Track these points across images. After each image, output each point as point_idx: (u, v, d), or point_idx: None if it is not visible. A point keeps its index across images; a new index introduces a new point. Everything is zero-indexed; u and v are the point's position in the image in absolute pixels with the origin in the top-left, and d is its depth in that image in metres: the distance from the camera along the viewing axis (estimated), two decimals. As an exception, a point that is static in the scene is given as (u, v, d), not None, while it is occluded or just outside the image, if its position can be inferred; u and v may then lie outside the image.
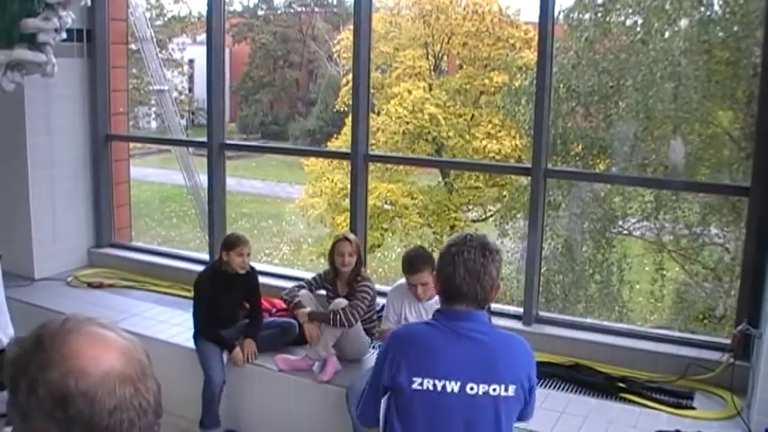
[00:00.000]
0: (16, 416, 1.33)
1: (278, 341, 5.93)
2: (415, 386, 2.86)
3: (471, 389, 2.85)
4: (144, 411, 1.34)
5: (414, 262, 5.09)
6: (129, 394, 1.33)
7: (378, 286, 5.91)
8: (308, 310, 5.57)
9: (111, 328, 1.40)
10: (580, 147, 11.48)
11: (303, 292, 5.73)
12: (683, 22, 10.76)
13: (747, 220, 5.53)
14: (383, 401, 3.02)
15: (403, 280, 5.26)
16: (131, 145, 9.22)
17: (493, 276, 2.91)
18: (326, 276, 5.82)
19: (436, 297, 5.02)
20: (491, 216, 14.80)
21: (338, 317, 5.40)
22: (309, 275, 6.04)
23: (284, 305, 5.94)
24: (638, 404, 5.17)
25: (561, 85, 11.04)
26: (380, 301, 5.91)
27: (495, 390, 2.85)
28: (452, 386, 2.84)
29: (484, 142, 13.72)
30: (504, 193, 13.83)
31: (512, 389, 2.87)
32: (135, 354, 1.40)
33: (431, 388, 2.85)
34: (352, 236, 5.76)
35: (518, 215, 13.27)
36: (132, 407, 1.33)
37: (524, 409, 2.97)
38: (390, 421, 2.96)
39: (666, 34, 10.73)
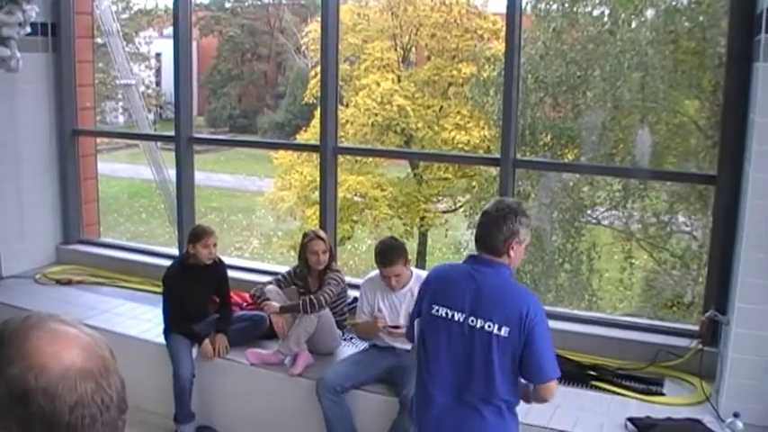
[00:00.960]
0: None
1: (249, 335, 5.92)
2: (433, 311, 3.54)
3: (472, 321, 3.43)
4: (106, 407, 1.33)
5: (387, 254, 5.09)
6: (90, 390, 1.30)
7: (348, 278, 5.92)
8: (277, 305, 5.56)
9: (74, 324, 1.39)
10: (549, 137, 11.54)
11: (270, 287, 5.71)
12: (650, 13, 10.84)
13: (714, 208, 5.59)
14: (416, 324, 3.69)
15: (375, 272, 5.27)
16: (99, 140, 9.16)
17: (504, 231, 3.44)
18: (297, 273, 5.82)
19: (409, 285, 5.06)
20: (461, 207, 14.84)
21: (307, 303, 5.40)
22: (280, 269, 6.04)
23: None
24: (609, 391, 5.22)
25: (529, 76, 11.08)
26: (352, 293, 5.92)
27: (489, 326, 3.38)
28: (459, 316, 3.46)
29: (453, 133, 13.74)
30: (474, 183, 13.86)
31: (504, 330, 3.36)
32: (97, 350, 1.36)
33: (443, 315, 3.50)
34: (322, 233, 5.76)
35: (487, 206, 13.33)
36: (94, 402, 1.30)
37: (526, 362, 3.36)
38: (420, 339, 3.64)
39: (633, 24, 10.81)
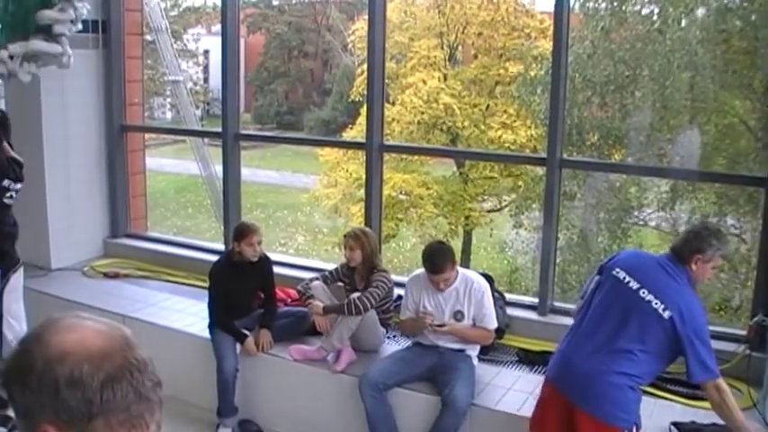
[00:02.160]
0: (20, 420, 1.36)
1: (293, 331, 5.95)
2: (613, 272, 4.02)
3: (643, 293, 3.88)
4: (137, 380, 1.35)
5: (436, 261, 5.08)
6: (117, 365, 1.34)
7: (393, 276, 5.92)
8: (321, 305, 5.58)
9: (88, 317, 1.43)
10: (596, 137, 11.44)
11: (316, 283, 5.75)
12: (701, 11, 10.69)
13: (764, 211, 5.50)
14: (594, 280, 4.19)
15: (421, 270, 5.26)
16: (147, 136, 9.25)
17: (692, 244, 3.93)
18: (344, 270, 5.84)
19: (455, 284, 5.04)
20: (506, 206, 14.78)
21: (351, 305, 5.42)
22: (325, 265, 6.06)
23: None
24: (654, 395, 5.17)
25: (577, 75, 10.99)
26: (397, 291, 5.92)
27: (656, 304, 3.82)
28: (634, 284, 3.92)
29: (499, 132, 13.67)
30: (520, 183, 13.80)
31: (667, 314, 3.79)
32: (117, 331, 1.41)
33: (621, 278, 3.97)
34: (357, 230, 5.78)
35: (533, 205, 13.25)
36: (124, 377, 1.34)
37: (690, 358, 3.76)
38: (593, 291, 4.15)
39: (683, 23, 10.67)
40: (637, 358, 3.84)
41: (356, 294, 5.52)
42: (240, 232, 5.80)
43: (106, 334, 1.38)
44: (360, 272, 5.72)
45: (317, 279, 5.82)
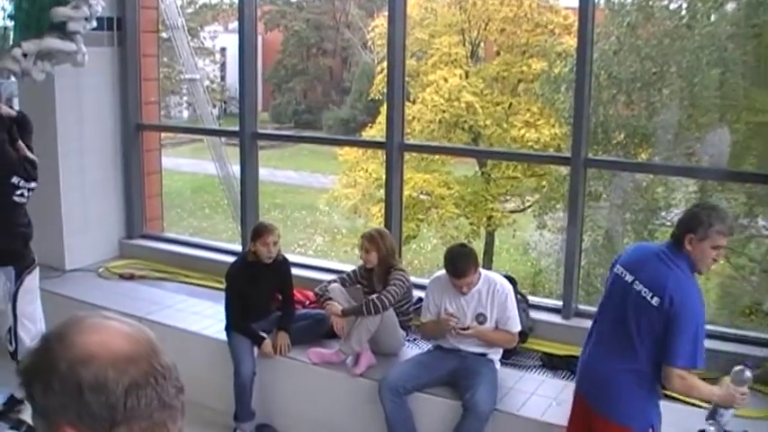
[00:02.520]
0: (39, 420, 1.35)
1: (311, 333, 5.95)
2: (615, 269, 4.09)
3: (636, 285, 3.91)
4: (161, 386, 1.34)
5: (459, 266, 5.07)
6: (142, 371, 1.33)
7: (413, 278, 5.91)
8: (339, 307, 5.59)
9: (113, 317, 1.41)
10: (622, 135, 11.39)
11: (334, 285, 5.75)
12: (731, 5, 10.61)
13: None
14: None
15: (442, 271, 5.26)
16: (163, 135, 9.28)
17: (686, 223, 3.90)
18: (362, 272, 5.85)
19: (477, 286, 5.04)
20: (529, 207, 14.75)
21: (369, 304, 5.42)
22: (344, 267, 6.06)
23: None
24: (682, 401, 5.12)
25: (602, 72, 10.94)
26: (417, 293, 5.91)
27: (645, 293, 3.85)
28: (629, 277, 3.96)
29: (522, 131, 13.65)
30: (543, 183, 13.77)
31: (654, 300, 3.80)
32: (142, 335, 1.39)
33: (620, 273, 4.03)
34: (373, 232, 5.80)
35: (557, 206, 13.21)
36: (148, 383, 1.33)
37: (664, 341, 3.74)
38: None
39: (713, 18, 10.59)
40: (636, 353, 3.86)
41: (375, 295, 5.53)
42: (256, 231, 5.82)
43: (132, 337, 1.37)
44: (377, 273, 5.72)
45: (334, 281, 5.82)
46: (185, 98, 21.78)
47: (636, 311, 3.87)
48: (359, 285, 5.85)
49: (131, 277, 7.50)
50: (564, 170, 10.78)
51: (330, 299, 5.64)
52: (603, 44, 10.96)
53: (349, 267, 6.18)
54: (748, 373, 3.96)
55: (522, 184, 14.48)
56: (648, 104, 11.25)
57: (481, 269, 5.24)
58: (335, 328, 5.62)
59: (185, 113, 23.30)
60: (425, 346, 5.78)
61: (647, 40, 10.97)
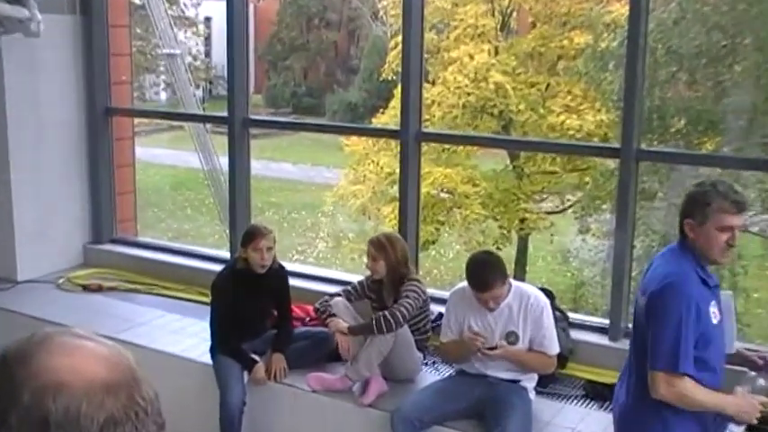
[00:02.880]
0: None
1: (311, 355, 5.97)
2: None
3: (638, 295, 4.01)
4: (142, 422, 1.31)
5: (483, 278, 5.07)
6: (121, 404, 1.28)
7: (432, 291, 5.91)
8: (344, 324, 5.59)
9: (88, 336, 1.37)
10: (682, 122, 11.35)
11: (338, 300, 5.76)
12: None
13: None
14: None
15: (465, 283, 5.26)
16: (137, 121, 9.31)
17: (682, 216, 3.88)
18: (370, 284, 5.85)
19: (507, 299, 5.05)
20: (570, 207, 14.73)
21: (381, 321, 5.42)
22: (350, 277, 6.06)
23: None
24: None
25: (659, 47, 10.90)
26: (437, 308, 5.91)
27: (639, 299, 3.96)
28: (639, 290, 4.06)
29: (561, 117, 13.62)
30: (587, 179, 13.74)
31: (642, 300, 3.90)
32: (122, 359, 1.34)
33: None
34: (382, 237, 5.79)
35: (603, 206, 13.18)
36: (127, 418, 1.28)
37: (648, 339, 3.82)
38: None
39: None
40: (643, 373, 3.89)
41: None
42: (247, 235, 5.85)
43: (110, 361, 1.33)
44: (388, 285, 5.72)
45: (338, 295, 5.83)
46: (163, 77, 21.83)
47: (635, 325, 4.02)
48: (367, 299, 5.86)
49: (98, 289, 7.53)
50: (612, 163, 10.75)
51: (333, 315, 5.65)
52: (661, 12, 10.92)
53: (356, 278, 6.18)
54: (762, 382, 3.98)
55: (562, 180, 14.45)
56: (716, 84, 11.19)
57: (512, 280, 5.25)
58: (340, 350, 5.63)
59: (163, 95, 23.36)
60: (446, 370, 5.79)
61: (715, 5, 10.88)
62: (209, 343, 5.95)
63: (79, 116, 7.92)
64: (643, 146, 6.26)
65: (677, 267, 3.85)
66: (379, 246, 5.69)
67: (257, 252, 5.75)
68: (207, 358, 5.93)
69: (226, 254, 7.63)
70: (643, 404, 3.89)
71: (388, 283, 5.71)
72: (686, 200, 3.93)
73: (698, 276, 3.81)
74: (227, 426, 5.63)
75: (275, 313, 6.05)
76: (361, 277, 6.06)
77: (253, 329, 5.96)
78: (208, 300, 6.13)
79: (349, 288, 5.93)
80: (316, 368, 5.85)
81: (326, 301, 5.77)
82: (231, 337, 5.85)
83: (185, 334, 6.60)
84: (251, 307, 5.90)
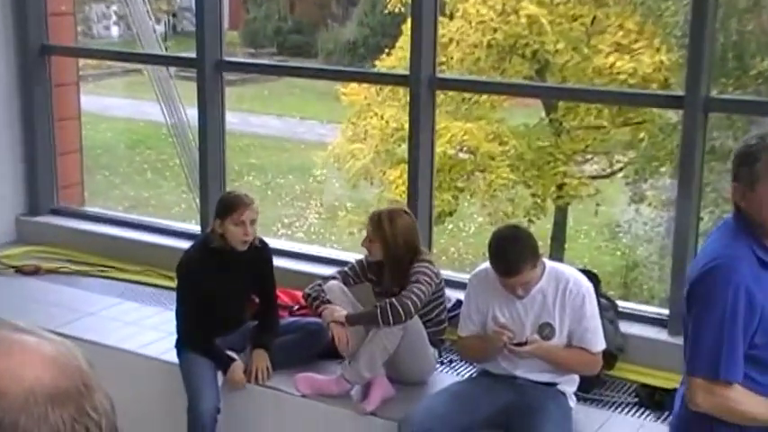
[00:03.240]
0: None
1: (301, 352, 6.00)
2: None
3: None
4: None
5: (511, 261, 5.03)
6: (68, 416, 1.28)
7: (448, 273, 5.92)
8: (342, 312, 5.60)
9: (32, 331, 1.36)
10: (766, 62, 11.30)
11: (333, 284, 5.77)
12: None
13: None
14: None
15: (488, 264, 5.26)
16: (82, 63, 9.30)
17: (732, 176, 3.73)
18: (370, 263, 5.87)
19: (540, 284, 5.05)
20: (620, 170, 14.71)
21: (387, 310, 5.40)
22: (348, 256, 6.05)
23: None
24: None
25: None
26: (453, 295, 5.93)
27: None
28: None
29: (611, 58, 13.58)
30: (641, 135, 13.73)
31: (685, 289, 3.79)
32: (71, 360, 1.33)
33: None
34: (383, 213, 5.77)
35: (662, 169, 13.18)
36: None
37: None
38: None
39: None
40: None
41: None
42: (226, 205, 5.82)
43: (57, 364, 1.32)
44: (390, 269, 5.72)
45: (333, 278, 5.84)
46: (114, 8, 21.78)
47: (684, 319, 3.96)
48: (368, 282, 5.87)
49: (35, 271, 7.56)
50: (674, 116, 10.73)
51: (328, 302, 5.66)
52: None
53: (355, 257, 6.18)
54: None
55: (610, 137, 14.43)
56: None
57: (546, 261, 5.25)
58: (337, 344, 5.63)
59: (115, 31, 23.32)
60: (466, 370, 5.81)
61: None
62: (174, 337, 5.96)
63: (7, 56, 7.91)
64: (713, 93, 6.25)
65: (727, 247, 3.68)
66: (377, 224, 5.67)
67: (239, 226, 5.73)
68: (172, 356, 5.95)
69: (195, 228, 7.66)
70: (693, 415, 3.77)
71: (389, 266, 5.71)
72: (732, 159, 3.75)
73: (755, 256, 3.61)
74: (195, 437, 5.67)
75: (256, 300, 6.07)
76: (360, 255, 6.06)
77: (229, 321, 5.98)
78: (173, 284, 6.13)
79: (346, 269, 5.93)
80: (306, 368, 5.87)
81: (319, 285, 5.77)
82: (202, 331, 5.85)
83: (145, 326, 6.63)
84: (227, 293, 5.90)
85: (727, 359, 3.55)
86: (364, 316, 5.57)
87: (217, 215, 5.84)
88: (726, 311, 3.54)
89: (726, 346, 3.55)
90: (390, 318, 5.39)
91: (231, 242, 5.78)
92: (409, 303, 5.41)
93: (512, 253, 5.03)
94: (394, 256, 5.66)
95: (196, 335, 5.86)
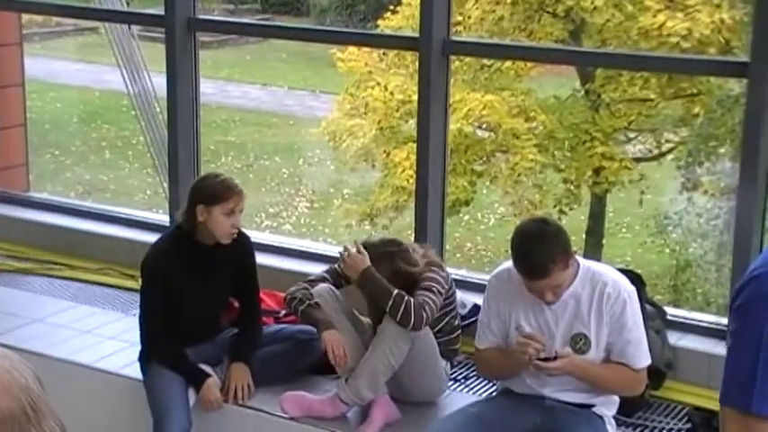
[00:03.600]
0: None
1: (289, 366, 6.02)
2: None
3: None
4: None
5: (537, 262, 4.99)
6: None
7: (463, 273, 5.93)
8: (366, 261, 5.56)
9: None
10: None
11: (320, 288, 5.77)
12: None
13: None
14: None
15: (508, 264, 5.27)
16: (26, 19, 9.30)
17: None
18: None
19: (573, 287, 5.04)
20: (670, 152, 14.72)
21: (402, 303, 5.38)
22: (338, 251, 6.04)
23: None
24: None
25: None
26: (468, 298, 5.94)
27: None
28: None
29: (660, 17, 13.58)
30: (697, 110, 13.73)
31: None
32: (17, 378, 1.37)
33: None
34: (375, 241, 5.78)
35: (721, 150, 13.17)
36: None
37: None
38: None
39: None
40: None
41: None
42: (215, 191, 5.79)
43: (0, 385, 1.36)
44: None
45: (322, 279, 5.85)
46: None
47: None
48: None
49: (-28, 269, 7.59)
50: (735, 86, 10.74)
51: (316, 305, 5.69)
52: None
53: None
54: None
55: (658, 111, 14.44)
56: None
57: (580, 259, 5.25)
58: (331, 358, 5.63)
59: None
60: (485, 388, 5.83)
61: None
62: (138, 348, 5.97)
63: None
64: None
65: None
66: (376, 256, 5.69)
67: (230, 216, 5.75)
68: (135, 370, 5.97)
69: (163, 218, 7.67)
70: None
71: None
72: None
73: None
74: (163, 468, 5.69)
75: (236, 305, 6.09)
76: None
77: (203, 328, 6.01)
78: (137, 285, 6.15)
79: (336, 266, 5.92)
80: (294, 385, 5.89)
81: (305, 289, 5.77)
82: (171, 340, 5.86)
83: (101, 335, 6.65)
84: (201, 295, 5.91)
85: (762, 389, 3.36)
86: (378, 287, 5.52)
87: (201, 201, 5.76)
88: (763, 333, 3.35)
89: (760, 374, 3.35)
90: (401, 311, 5.38)
91: (216, 234, 5.78)
92: (423, 315, 5.41)
93: (539, 252, 4.97)
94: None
95: (164, 345, 5.86)
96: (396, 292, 5.40)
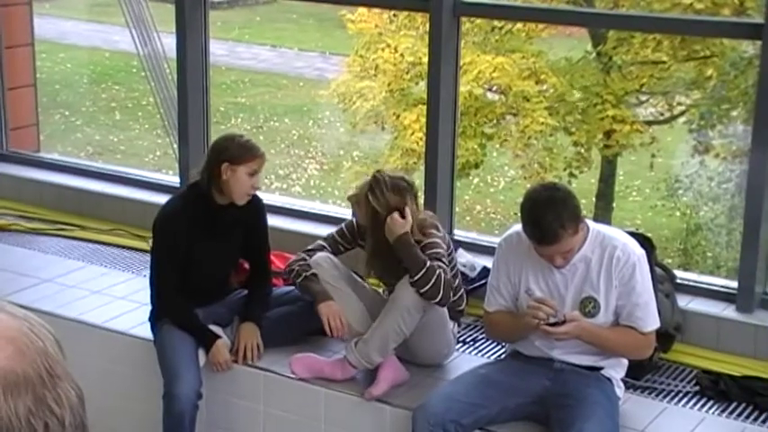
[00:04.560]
0: None
1: (298, 327, 6.03)
2: None
3: None
4: None
5: (547, 227, 4.98)
6: (24, 408, 1.30)
7: (473, 236, 5.92)
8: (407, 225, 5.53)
9: None
10: None
11: (320, 257, 5.76)
12: None
13: None
14: None
15: (518, 228, 5.27)
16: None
17: None
18: (360, 227, 5.87)
19: (582, 250, 5.04)
20: (682, 114, 14.67)
21: (434, 275, 5.33)
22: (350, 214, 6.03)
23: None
24: None
25: None
26: (478, 261, 5.95)
27: None
28: None
29: (672, -21, 13.56)
30: (709, 72, 13.68)
31: None
32: (33, 341, 1.36)
33: None
34: (372, 182, 5.73)
35: (733, 113, 13.13)
36: (31, 429, 1.30)
37: None
38: None
39: None
40: None
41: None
42: (242, 150, 5.81)
43: (15, 345, 1.34)
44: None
45: (320, 248, 5.85)
46: None
47: None
48: (359, 248, 5.90)
49: (-19, 229, 7.60)
50: (749, 48, 10.71)
51: (314, 276, 5.68)
52: None
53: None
54: None
55: (670, 74, 14.39)
56: None
57: (590, 222, 5.25)
58: (328, 329, 5.64)
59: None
60: (493, 350, 5.84)
61: None
62: (148, 308, 6.00)
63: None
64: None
65: None
66: (357, 200, 5.73)
67: (251, 177, 5.78)
68: (146, 331, 6.00)
69: (173, 179, 7.66)
70: None
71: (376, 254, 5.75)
72: None
73: None
74: (173, 427, 5.66)
75: (245, 265, 6.11)
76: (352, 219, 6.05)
77: (213, 289, 6.03)
78: (147, 245, 6.16)
79: (334, 233, 5.93)
80: (303, 346, 5.91)
81: (303, 260, 5.78)
82: (182, 301, 5.88)
83: (111, 296, 6.66)
84: (212, 255, 5.93)
85: None
86: (411, 256, 5.45)
87: (227, 159, 5.75)
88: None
89: None
90: (430, 284, 5.34)
91: (235, 193, 5.78)
92: (450, 293, 5.42)
93: (549, 218, 4.96)
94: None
95: (175, 303, 5.88)
96: (429, 264, 5.36)
